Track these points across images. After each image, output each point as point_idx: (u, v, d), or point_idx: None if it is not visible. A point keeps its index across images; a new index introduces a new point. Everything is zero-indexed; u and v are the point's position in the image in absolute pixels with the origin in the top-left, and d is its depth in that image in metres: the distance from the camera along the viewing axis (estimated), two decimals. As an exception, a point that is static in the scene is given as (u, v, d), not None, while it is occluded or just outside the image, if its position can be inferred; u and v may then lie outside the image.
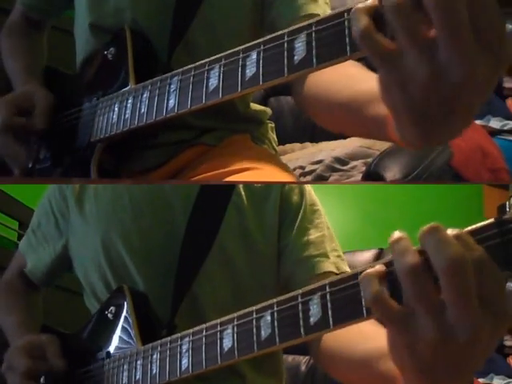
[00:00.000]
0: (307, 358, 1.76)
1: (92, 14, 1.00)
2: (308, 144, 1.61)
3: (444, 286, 0.50)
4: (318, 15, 0.92)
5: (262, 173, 0.94)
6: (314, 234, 0.96)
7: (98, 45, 0.98)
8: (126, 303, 0.92)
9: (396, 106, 0.55)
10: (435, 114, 0.53)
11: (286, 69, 0.65)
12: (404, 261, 0.52)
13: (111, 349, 0.92)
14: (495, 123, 1.93)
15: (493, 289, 0.51)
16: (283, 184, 0.97)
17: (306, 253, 0.94)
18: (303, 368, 1.74)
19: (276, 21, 0.95)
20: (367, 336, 0.79)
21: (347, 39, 0.59)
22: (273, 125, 1.12)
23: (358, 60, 0.64)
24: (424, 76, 0.51)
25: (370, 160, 1.38)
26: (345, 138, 1.53)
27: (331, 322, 0.61)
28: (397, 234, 0.54)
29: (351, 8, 0.56)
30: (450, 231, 0.51)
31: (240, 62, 0.71)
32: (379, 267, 0.55)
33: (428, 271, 0.51)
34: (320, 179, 1.38)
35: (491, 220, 0.53)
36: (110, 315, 0.93)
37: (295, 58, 0.64)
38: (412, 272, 0.51)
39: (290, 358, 1.75)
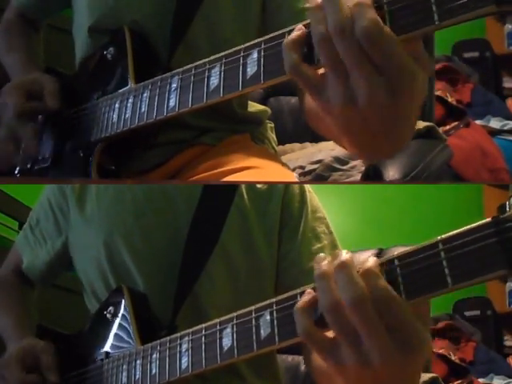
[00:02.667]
0: (306, 358, 1.76)
1: (91, 15, 0.99)
2: (308, 144, 1.61)
3: (353, 320, 0.56)
4: None
5: (263, 172, 0.94)
6: (316, 245, 0.96)
7: (98, 45, 0.98)
8: (125, 303, 0.92)
9: (332, 130, 0.63)
10: (360, 133, 0.61)
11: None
12: (318, 28, 0.58)
13: (110, 349, 0.92)
14: (495, 123, 1.93)
15: (398, 319, 0.55)
16: (285, 185, 0.97)
17: (310, 264, 0.94)
18: (303, 368, 1.74)
19: (276, 20, 0.95)
20: None
21: None
22: (272, 125, 1.12)
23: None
24: (341, 99, 0.58)
25: (369, 160, 1.38)
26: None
27: None
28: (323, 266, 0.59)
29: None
30: (364, 265, 0.57)
31: (241, 61, 0.71)
32: (300, 29, 0.62)
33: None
34: (320, 179, 1.38)
35: (488, 219, 0.53)
36: (108, 315, 0.93)
37: None
38: (323, 37, 0.57)
39: (289, 357, 1.74)
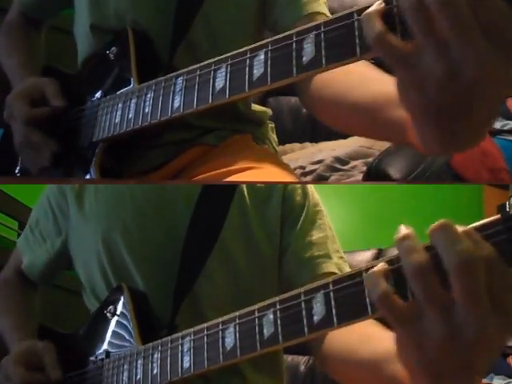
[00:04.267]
0: (306, 358, 1.76)
1: (93, 15, 0.99)
2: (308, 144, 1.61)
3: (454, 283, 0.49)
4: (321, 14, 0.92)
5: (264, 172, 0.94)
6: (316, 235, 0.96)
7: (100, 45, 0.98)
8: (125, 302, 0.92)
9: (415, 109, 0.55)
10: (453, 114, 0.54)
11: (294, 69, 0.65)
12: (412, 259, 0.51)
13: (110, 348, 0.92)
14: (495, 123, 1.93)
15: (503, 287, 0.50)
16: (285, 184, 0.97)
17: (309, 254, 0.94)
18: (302, 368, 1.74)
19: (279, 21, 0.95)
20: (371, 337, 0.79)
21: (357, 40, 0.59)
22: (273, 125, 1.12)
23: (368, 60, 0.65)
24: (440, 73, 0.52)
25: (370, 160, 1.38)
26: (345, 137, 1.53)
27: (335, 320, 0.61)
28: (403, 231, 0.53)
29: (361, 9, 0.57)
30: (460, 228, 0.51)
31: (247, 62, 0.70)
32: (383, 265, 0.55)
33: (437, 269, 0.51)
34: (320, 179, 1.38)
35: (498, 216, 0.52)
36: (108, 314, 0.93)
37: (304, 58, 0.64)
38: (420, 270, 0.51)
39: (289, 358, 1.75)
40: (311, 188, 1.00)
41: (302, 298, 0.63)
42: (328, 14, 0.92)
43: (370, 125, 0.80)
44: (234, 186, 0.95)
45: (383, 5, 0.55)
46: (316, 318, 0.62)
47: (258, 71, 0.69)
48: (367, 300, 0.58)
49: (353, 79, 0.81)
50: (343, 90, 0.83)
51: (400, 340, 0.55)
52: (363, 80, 0.80)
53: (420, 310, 0.52)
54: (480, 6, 0.50)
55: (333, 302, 0.61)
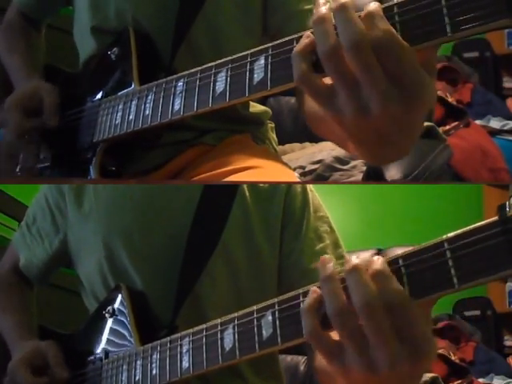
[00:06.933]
0: (306, 358, 1.76)
1: (94, 16, 0.99)
2: (307, 144, 1.61)
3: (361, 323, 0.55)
4: None
5: (264, 172, 0.93)
6: (318, 245, 0.96)
7: (101, 46, 0.98)
8: (123, 303, 0.92)
9: (339, 136, 0.65)
10: (370, 143, 0.61)
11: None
12: (326, 42, 0.58)
13: (109, 349, 0.92)
14: (495, 123, 1.93)
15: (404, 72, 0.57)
16: (287, 185, 0.97)
17: (312, 265, 0.94)
18: (302, 368, 1.74)
19: (280, 24, 0.95)
20: None
21: None
22: (273, 125, 1.12)
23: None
24: (352, 110, 0.58)
25: (370, 160, 1.38)
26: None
27: None
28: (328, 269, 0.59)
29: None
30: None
31: (248, 67, 0.70)
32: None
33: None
34: (320, 179, 1.38)
35: (495, 218, 0.52)
36: (107, 315, 0.93)
37: None
38: (333, 54, 0.58)
39: (288, 357, 1.74)
40: (312, 191, 1.00)
41: (301, 299, 0.63)
42: None
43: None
44: (236, 187, 0.95)
45: (311, 38, 0.60)
46: None
47: (258, 75, 0.69)
48: None
49: None
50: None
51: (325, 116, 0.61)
52: None
53: (333, 90, 0.58)
54: (384, 53, 0.56)
55: None
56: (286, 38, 0.67)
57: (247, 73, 0.70)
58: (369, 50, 0.55)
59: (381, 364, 0.55)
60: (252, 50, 0.71)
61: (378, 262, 0.56)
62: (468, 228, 0.53)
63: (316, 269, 0.93)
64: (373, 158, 0.67)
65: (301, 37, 0.62)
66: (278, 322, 0.65)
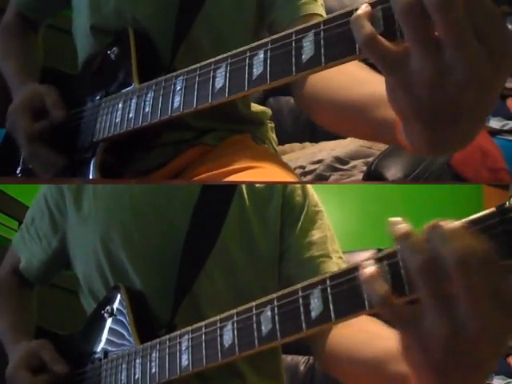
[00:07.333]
0: (306, 357, 1.76)
1: (93, 15, 0.99)
2: (307, 144, 1.61)
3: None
4: (318, 15, 0.92)
5: (264, 172, 0.94)
6: (316, 235, 0.96)
7: (100, 46, 0.98)
8: (122, 302, 0.92)
9: (404, 110, 0.55)
10: (442, 116, 0.53)
11: (294, 67, 0.65)
12: (415, 259, 0.51)
13: (108, 348, 0.92)
14: (495, 123, 1.93)
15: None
16: (285, 184, 0.97)
17: (309, 254, 0.94)
18: (302, 368, 1.74)
19: (276, 21, 0.95)
20: (375, 336, 0.79)
21: None
22: (273, 125, 1.12)
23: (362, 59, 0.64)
24: (429, 76, 0.51)
25: (370, 160, 1.38)
26: (345, 137, 1.53)
27: (333, 316, 0.61)
28: (402, 228, 0.52)
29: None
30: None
31: (247, 61, 0.70)
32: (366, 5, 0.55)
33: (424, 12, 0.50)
34: (320, 179, 1.38)
35: (493, 209, 0.52)
36: (106, 314, 0.93)
37: (303, 56, 0.64)
38: (409, 10, 0.50)
39: (288, 357, 1.74)
40: (311, 188, 1.00)
41: (300, 294, 0.63)
42: (325, 15, 0.93)
43: (359, 125, 0.81)
44: (234, 186, 0.95)
45: (367, 8, 0.55)
46: (314, 314, 0.62)
47: (257, 70, 0.69)
48: (364, 295, 0.58)
49: (344, 79, 0.81)
50: (335, 90, 0.83)
51: (404, 340, 0.54)
52: (354, 80, 0.81)
53: (421, 310, 0.51)
54: (476, 11, 0.50)
55: (330, 298, 0.61)
56: (285, 32, 0.67)
57: (246, 67, 0.70)
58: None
59: (472, 325, 0.49)
60: (251, 45, 0.71)
61: (456, 223, 0.51)
62: (466, 219, 0.52)
63: (314, 257, 0.94)
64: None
65: (298, 31, 0.62)
66: (277, 318, 0.65)
